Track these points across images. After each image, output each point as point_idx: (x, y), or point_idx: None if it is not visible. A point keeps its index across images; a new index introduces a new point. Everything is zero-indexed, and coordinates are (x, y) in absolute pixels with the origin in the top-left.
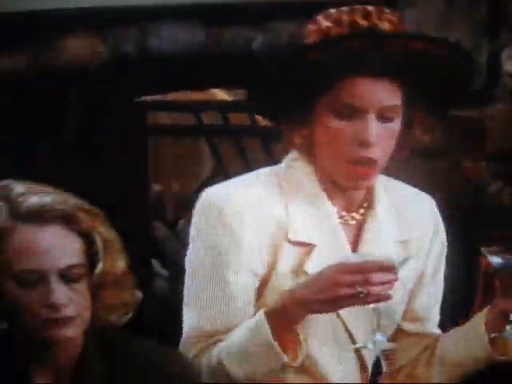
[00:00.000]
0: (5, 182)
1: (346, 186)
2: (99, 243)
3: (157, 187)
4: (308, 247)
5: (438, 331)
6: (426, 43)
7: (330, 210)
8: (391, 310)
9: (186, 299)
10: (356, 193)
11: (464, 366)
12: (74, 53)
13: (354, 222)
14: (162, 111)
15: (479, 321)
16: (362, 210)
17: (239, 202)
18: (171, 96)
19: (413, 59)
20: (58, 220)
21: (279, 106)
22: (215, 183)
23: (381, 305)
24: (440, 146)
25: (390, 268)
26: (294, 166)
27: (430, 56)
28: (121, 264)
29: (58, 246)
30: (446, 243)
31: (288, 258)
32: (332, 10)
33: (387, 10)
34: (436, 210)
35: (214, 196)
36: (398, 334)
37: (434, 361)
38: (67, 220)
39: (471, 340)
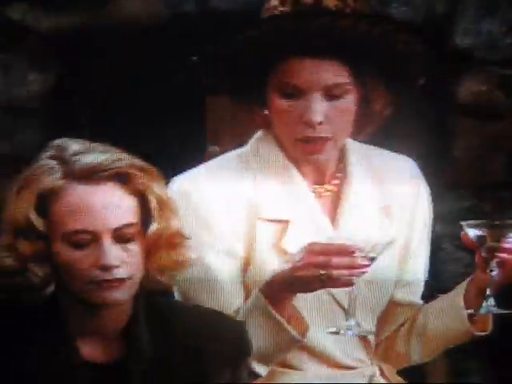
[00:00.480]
0: (59, 141)
1: (302, 161)
2: (153, 202)
3: (214, 148)
4: (283, 224)
5: (421, 302)
6: (355, 20)
7: (300, 183)
8: (382, 280)
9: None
10: (325, 164)
11: (442, 339)
12: (132, 11)
13: (329, 194)
14: None
15: (459, 293)
16: (335, 181)
17: (206, 187)
18: None
19: (354, 36)
20: (113, 179)
21: (232, 85)
22: None
23: (368, 277)
24: (500, 107)
25: (348, 251)
26: (260, 146)
27: (367, 33)
28: (174, 224)
29: (112, 206)
30: (431, 210)
31: (264, 237)
32: None
33: None
34: (418, 174)
35: (181, 184)
36: (388, 305)
37: (413, 331)
38: (122, 179)
39: (450, 313)
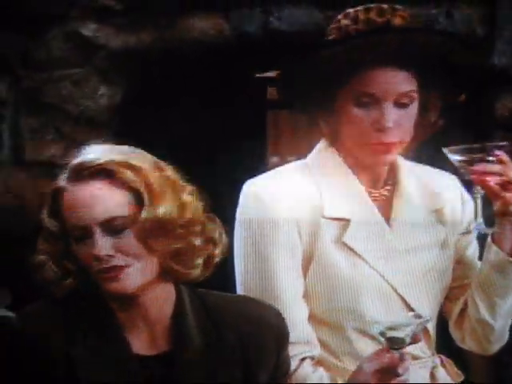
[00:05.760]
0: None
1: (370, 162)
2: (144, 193)
3: (275, 159)
4: (344, 222)
5: None
6: (426, 35)
7: (359, 188)
8: (439, 271)
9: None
10: (381, 171)
11: (495, 283)
12: (199, 32)
13: (383, 198)
14: None
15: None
16: (388, 187)
17: (275, 189)
18: None
19: (421, 49)
20: (100, 176)
21: (305, 97)
22: None
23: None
24: None
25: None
26: (322, 155)
27: (435, 46)
28: (172, 211)
29: (99, 200)
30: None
31: (328, 233)
32: (350, 10)
33: (399, 7)
34: (460, 185)
35: (251, 186)
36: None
37: (473, 289)
38: (109, 175)
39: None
